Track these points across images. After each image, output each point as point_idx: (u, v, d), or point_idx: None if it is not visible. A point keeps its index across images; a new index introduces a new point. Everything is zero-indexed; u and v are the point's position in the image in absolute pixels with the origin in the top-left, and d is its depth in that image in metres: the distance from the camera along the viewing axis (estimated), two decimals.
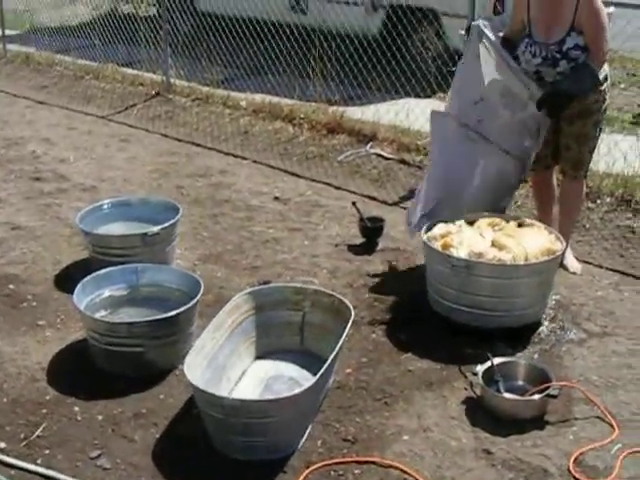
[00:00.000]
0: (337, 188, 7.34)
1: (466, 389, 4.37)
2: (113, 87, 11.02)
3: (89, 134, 9.00)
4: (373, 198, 7.08)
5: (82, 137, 8.89)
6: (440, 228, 5.15)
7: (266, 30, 9.88)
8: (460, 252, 4.86)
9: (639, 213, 6.36)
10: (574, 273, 5.60)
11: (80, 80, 11.49)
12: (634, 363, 4.64)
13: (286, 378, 4.42)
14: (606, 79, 5.42)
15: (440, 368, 4.58)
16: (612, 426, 4.09)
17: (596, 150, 5.63)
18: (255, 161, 8.08)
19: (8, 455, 3.89)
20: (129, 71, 11.50)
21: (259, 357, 4.58)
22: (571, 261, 5.69)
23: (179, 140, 8.78)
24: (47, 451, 3.93)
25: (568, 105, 5.23)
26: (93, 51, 12.17)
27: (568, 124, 5.42)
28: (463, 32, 7.44)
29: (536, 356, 4.59)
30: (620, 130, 8.44)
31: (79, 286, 4.72)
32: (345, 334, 4.20)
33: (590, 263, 5.69)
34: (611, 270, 5.61)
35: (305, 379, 4.22)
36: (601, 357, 4.70)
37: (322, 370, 3.86)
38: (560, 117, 5.40)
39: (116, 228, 5.80)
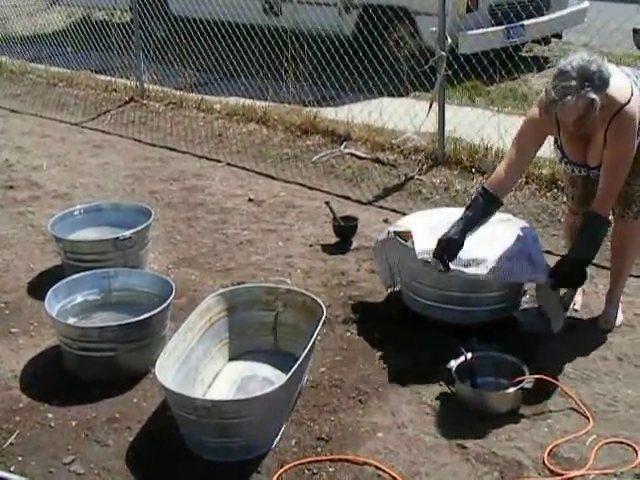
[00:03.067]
0: (311, 189, 7.33)
1: (440, 385, 4.36)
2: (86, 94, 11.00)
3: (62, 141, 8.96)
4: (347, 198, 7.08)
5: (55, 144, 8.85)
6: (406, 223, 5.12)
7: (239, 33, 9.85)
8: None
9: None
10: (605, 331, 4.94)
11: (53, 88, 11.46)
12: (608, 355, 4.65)
13: (260, 378, 4.41)
14: None
15: (414, 364, 4.57)
16: (587, 418, 4.09)
17: None
18: (229, 164, 8.07)
19: None
20: (102, 77, 11.47)
21: (232, 358, 4.57)
22: (608, 318, 4.99)
23: (153, 145, 8.75)
24: (20, 458, 3.91)
25: (584, 276, 4.59)
26: (66, 58, 12.14)
27: None
28: (435, 29, 7.49)
29: (510, 350, 4.56)
30: None
31: (50, 292, 4.70)
32: (316, 332, 4.18)
33: None
34: None
35: (279, 379, 4.18)
36: (576, 350, 4.70)
37: (293, 368, 3.85)
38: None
39: (88, 234, 5.77)
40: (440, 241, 4.60)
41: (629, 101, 4.31)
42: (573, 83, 4.12)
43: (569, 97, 4.12)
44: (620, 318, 5.01)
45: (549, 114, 4.41)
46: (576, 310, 5.13)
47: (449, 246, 4.58)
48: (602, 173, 4.45)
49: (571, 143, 4.61)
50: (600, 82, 4.16)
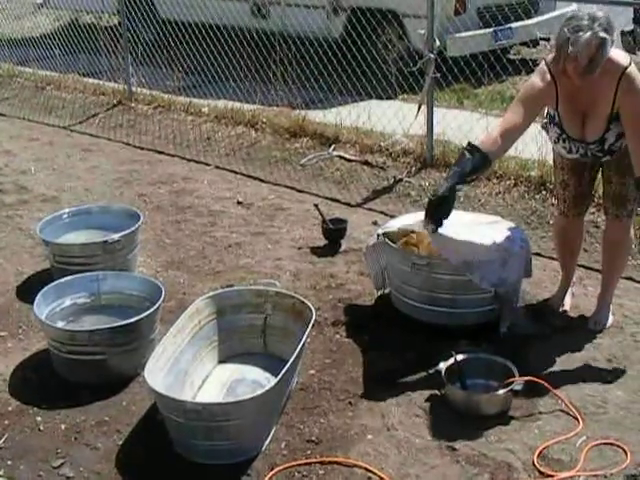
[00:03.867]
0: (300, 191, 7.33)
1: (430, 387, 4.36)
2: (74, 97, 10.96)
3: (50, 145, 8.94)
4: (336, 200, 7.09)
5: (43, 148, 8.83)
6: (396, 225, 5.13)
7: (227, 36, 9.84)
8: (421, 251, 4.86)
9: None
10: (596, 331, 4.94)
11: (41, 91, 11.42)
12: (597, 357, 4.65)
13: (249, 381, 4.40)
14: None
15: (404, 366, 4.57)
16: (577, 419, 4.10)
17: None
18: (218, 167, 8.06)
19: None
20: (90, 81, 11.42)
21: (222, 361, 4.56)
22: (599, 318, 5.00)
23: (141, 148, 8.74)
24: (10, 462, 3.89)
25: None
26: (54, 61, 12.10)
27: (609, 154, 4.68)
28: (423, 32, 7.50)
29: (499, 352, 4.56)
30: None
31: (39, 296, 4.69)
32: (306, 335, 4.18)
33: (554, 259, 5.67)
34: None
35: (268, 381, 4.18)
36: (564, 351, 4.70)
37: (283, 371, 3.84)
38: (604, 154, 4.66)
39: (77, 237, 5.76)
40: (430, 200, 4.53)
41: (630, 64, 4.36)
42: (585, 22, 4.18)
43: (581, 33, 4.15)
44: (611, 319, 5.01)
45: (549, 84, 4.45)
46: (565, 311, 5.13)
47: (440, 204, 4.49)
48: (630, 136, 4.40)
49: (570, 115, 4.57)
50: (608, 26, 4.21)
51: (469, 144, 4.55)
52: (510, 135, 4.55)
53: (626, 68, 4.33)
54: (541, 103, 4.62)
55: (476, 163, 4.49)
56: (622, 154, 4.56)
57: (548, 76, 4.47)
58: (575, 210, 4.99)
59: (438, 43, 7.47)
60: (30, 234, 6.35)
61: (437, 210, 4.51)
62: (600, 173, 4.86)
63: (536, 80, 4.52)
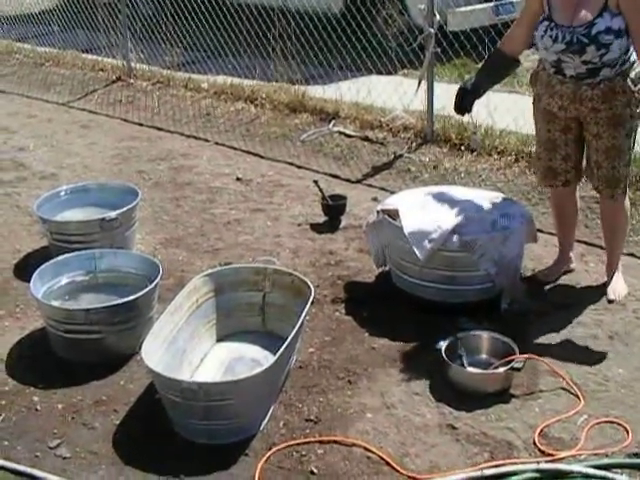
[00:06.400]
0: (300, 167, 7.30)
1: (430, 365, 4.32)
2: (73, 73, 10.95)
3: (49, 121, 8.91)
4: (336, 176, 7.05)
5: (42, 125, 8.80)
6: (394, 202, 5.10)
7: (226, 11, 9.78)
8: None
9: None
10: (612, 301, 4.96)
11: (40, 67, 11.42)
12: (599, 334, 4.62)
13: (248, 359, 4.38)
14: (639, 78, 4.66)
15: (404, 344, 4.55)
16: (578, 397, 4.07)
17: None
18: (217, 143, 8.02)
19: None
20: (89, 57, 11.42)
21: (220, 339, 4.54)
22: (615, 287, 5.04)
23: (140, 124, 8.71)
24: (6, 442, 3.87)
25: None
26: (53, 38, 12.09)
27: (596, 137, 4.72)
28: (423, 7, 7.43)
29: (500, 329, 4.53)
30: None
31: (36, 274, 4.66)
32: (305, 313, 4.15)
33: (555, 234, 5.64)
34: (577, 241, 5.52)
35: (267, 360, 4.12)
36: (566, 328, 4.68)
37: (281, 350, 3.81)
38: (584, 129, 4.79)
39: (74, 214, 5.72)
40: (457, 91, 5.03)
41: None
42: None
43: None
44: (626, 287, 5.05)
45: None
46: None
47: (462, 96, 5.00)
48: (632, 26, 4.41)
49: (563, 5, 4.56)
50: None
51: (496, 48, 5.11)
52: (515, 32, 4.95)
53: None
54: None
55: (490, 56, 5.15)
56: (610, 137, 4.65)
57: None
58: (554, 180, 5.05)
59: (438, 18, 7.40)
60: (28, 212, 6.32)
61: (461, 101, 5.02)
62: (587, 136, 4.81)
63: None
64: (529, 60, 7.45)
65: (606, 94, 4.58)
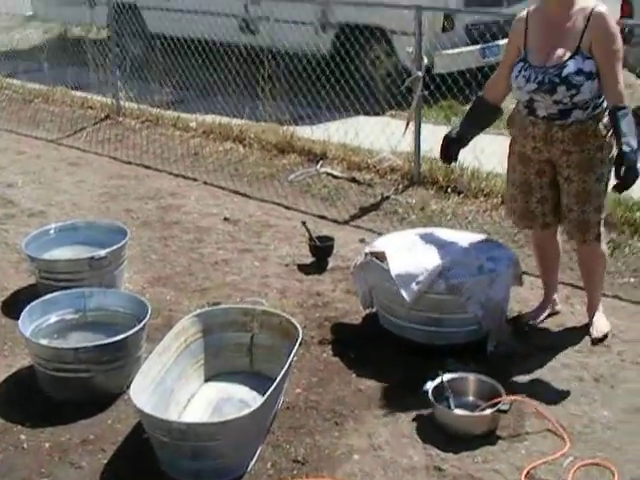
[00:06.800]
0: (287, 208, 7.33)
1: (417, 406, 4.33)
2: (62, 110, 11.00)
3: (38, 158, 8.94)
4: (323, 217, 7.09)
5: (31, 161, 8.84)
6: (381, 244, 5.15)
7: (215, 51, 9.86)
8: None
9: None
10: (597, 340, 5.00)
11: (29, 104, 11.47)
12: (584, 376, 4.65)
13: (236, 400, 4.38)
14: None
15: (391, 386, 4.57)
16: (564, 439, 4.08)
17: None
18: (205, 182, 8.07)
19: None
20: (78, 94, 11.47)
21: (208, 380, 4.54)
22: (597, 326, 5.08)
23: (129, 163, 8.75)
24: None
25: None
26: (43, 74, 12.14)
27: (567, 181, 4.79)
28: (411, 50, 7.52)
29: (486, 370, 4.55)
30: None
31: (25, 312, 4.67)
32: (293, 354, 4.17)
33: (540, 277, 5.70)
34: (561, 283, 5.58)
35: (255, 400, 4.16)
36: (551, 370, 4.71)
37: (269, 391, 3.83)
38: (557, 172, 4.84)
39: (63, 253, 5.74)
40: (443, 140, 5.16)
41: (598, 4, 4.62)
42: None
43: None
44: (608, 326, 5.09)
45: (521, 20, 4.82)
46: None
47: (447, 145, 5.13)
48: (603, 70, 4.55)
49: (537, 48, 4.70)
50: None
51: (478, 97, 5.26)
52: (496, 80, 5.08)
53: (595, 7, 4.58)
54: (513, 42, 4.89)
55: (473, 104, 5.28)
56: (580, 182, 4.73)
57: (523, 14, 4.84)
58: (534, 222, 5.09)
59: (426, 61, 7.49)
60: (16, 249, 6.32)
61: (446, 150, 5.15)
62: (559, 180, 4.86)
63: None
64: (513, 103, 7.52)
65: (577, 136, 4.66)
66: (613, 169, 4.56)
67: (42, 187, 7.95)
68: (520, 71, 4.72)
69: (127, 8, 11.21)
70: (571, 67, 4.54)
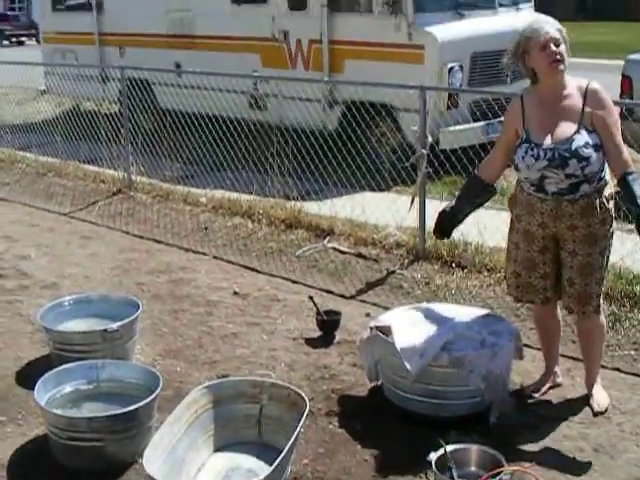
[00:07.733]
0: (295, 282, 7.44)
1: (420, 477, 4.43)
2: (75, 184, 11.19)
3: (51, 231, 9.10)
4: (330, 292, 7.20)
5: (44, 234, 8.99)
6: (387, 319, 5.28)
7: (225, 127, 10.05)
8: None
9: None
10: (597, 413, 5.09)
11: (42, 177, 11.68)
12: (585, 447, 4.72)
13: (244, 470, 4.45)
14: (612, 197, 4.88)
15: (395, 456, 4.65)
16: None
17: None
18: (215, 257, 8.19)
19: None
20: (91, 168, 11.65)
21: (217, 450, 4.62)
22: (597, 399, 5.17)
23: (140, 237, 8.90)
24: None
25: None
26: (55, 148, 12.32)
27: (571, 254, 4.89)
28: (416, 128, 7.70)
29: (488, 441, 4.61)
30: None
31: (40, 382, 4.78)
32: (300, 425, 4.26)
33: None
34: (563, 356, 5.67)
35: (263, 471, 4.23)
36: (553, 441, 4.78)
37: (277, 462, 3.92)
38: (561, 247, 4.96)
39: (77, 325, 5.87)
40: (438, 216, 5.34)
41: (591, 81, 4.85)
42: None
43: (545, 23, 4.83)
44: (607, 398, 5.18)
45: (517, 102, 4.98)
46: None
47: (443, 220, 5.31)
48: (606, 142, 4.73)
49: (539, 125, 4.83)
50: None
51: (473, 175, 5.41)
52: (500, 160, 5.17)
53: (589, 83, 4.81)
54: (510, 123, 5.05)
55: (468, 182, 5.44)
56: (585, 255, 4.86)
57: (517, 98, 5.02)
58: (535, 297, 5.19)
59: (430, 139, 7.67)
60: (30, 320, 6.44)
61: (441, 225, 5.34)
62: (562, 254, 4.98)
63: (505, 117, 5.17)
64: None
65: (585, 210, 4.80)
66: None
67: (55, 260, 8.09)
68: (527, 151, 4.81)
69: (139, 83, 11.46)
70: (579, 141, 4.70)
